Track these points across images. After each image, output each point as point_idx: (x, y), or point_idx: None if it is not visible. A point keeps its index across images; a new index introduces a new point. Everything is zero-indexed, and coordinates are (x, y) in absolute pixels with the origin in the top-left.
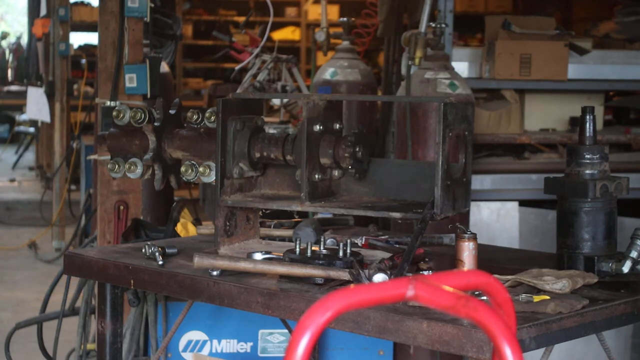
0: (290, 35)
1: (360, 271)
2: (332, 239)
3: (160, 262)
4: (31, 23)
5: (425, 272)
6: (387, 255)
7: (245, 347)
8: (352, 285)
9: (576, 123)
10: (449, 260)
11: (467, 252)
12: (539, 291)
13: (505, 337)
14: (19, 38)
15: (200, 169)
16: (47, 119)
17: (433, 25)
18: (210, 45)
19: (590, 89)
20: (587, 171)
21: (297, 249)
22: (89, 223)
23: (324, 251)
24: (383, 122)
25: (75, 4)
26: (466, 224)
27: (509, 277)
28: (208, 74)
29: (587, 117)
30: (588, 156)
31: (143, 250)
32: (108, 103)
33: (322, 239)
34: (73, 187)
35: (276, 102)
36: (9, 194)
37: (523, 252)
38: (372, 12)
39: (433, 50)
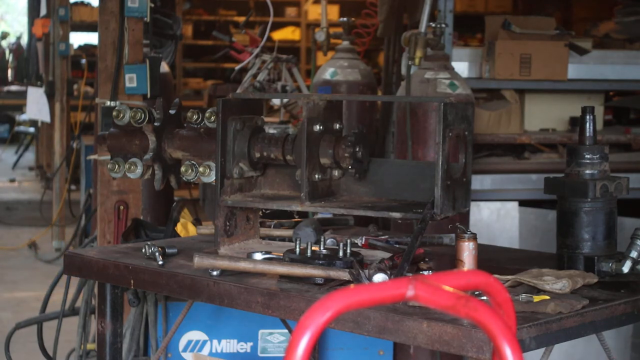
0: (290, 35)
1: (360, 271)
2: (332, 239)
3: (160, 262)
4: (31, 23)
5: (425, 272)
6: (387, 255)
7: (245, 347)
8: (352, 285)
9: (576, 123)
10: (449, 260)
11: (467, 252)
12: (539, 291)
13: (505, 337)
14: (19, 38)
15: (200, 169)
16: (47, 119)
17: (433, 25)
18: (210, 45)
19: (590, 89)
20: (587, 171)
21: (297, 249)
22: (89, 223)
23: (324, 251)
24: (383, 122)
25: (75, 4)
26: (466, 224)
27: (509, 277)
28: (208, 74)
29: (587, 117)
30: (588, 156)
31: (143, 250)
32: (108, 103)
33: (322, 239)
34: (73, 187)
35: (276, 102)
36: (9, 194)
37: (523, 252)
38: (372, 12)
39: (433, 50)
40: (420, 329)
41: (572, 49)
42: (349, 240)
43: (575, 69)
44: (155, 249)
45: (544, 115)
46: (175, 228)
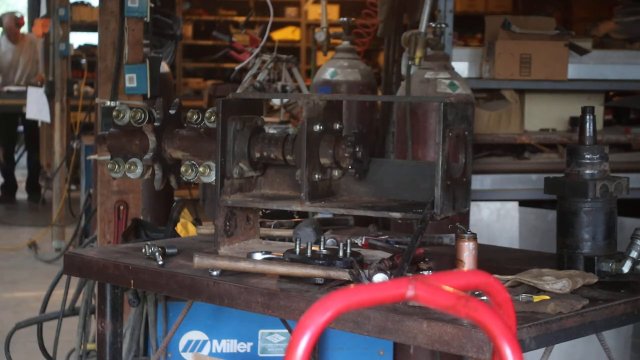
0: (290, 35)
1: (360, 271)
2: (332, 239)
3: (160, 262)
4: (31, 23)
5: (425, 272)
6: (387, 255)
7: (245, 347)
8: (352, 285)
9: (576, 123)
10: (449, 260)
11: (467, 252)
12: (539, 291)
13: (505, 337)
14: None
15: (200, 169)
16: (47, 119)
17: (433, 25)
18: (210, 45)
19: (590, 89)
20: (587, 171)
21: (297, 249)
22: (89, 223)
23: (324, 251)
24: (383, 122)
25: (75, 4)
26: (466, 224)
27: (509, 277)
28: (208, 74)
29: (587, 117)
30: (588, 156)
31: (143, 250)
32: (108, 103)
33: (322, 239)
34: (73, 187)
35: (276, 102)
36: None
37: (523, 252)
38: (372, 12)
39: (433, 50)
40: (420, 329)
41: (572, 49)
42: (349, 240)
43: (575, 69)
44: (155, 249)
45: (544, 115)
46: (175, 228)
